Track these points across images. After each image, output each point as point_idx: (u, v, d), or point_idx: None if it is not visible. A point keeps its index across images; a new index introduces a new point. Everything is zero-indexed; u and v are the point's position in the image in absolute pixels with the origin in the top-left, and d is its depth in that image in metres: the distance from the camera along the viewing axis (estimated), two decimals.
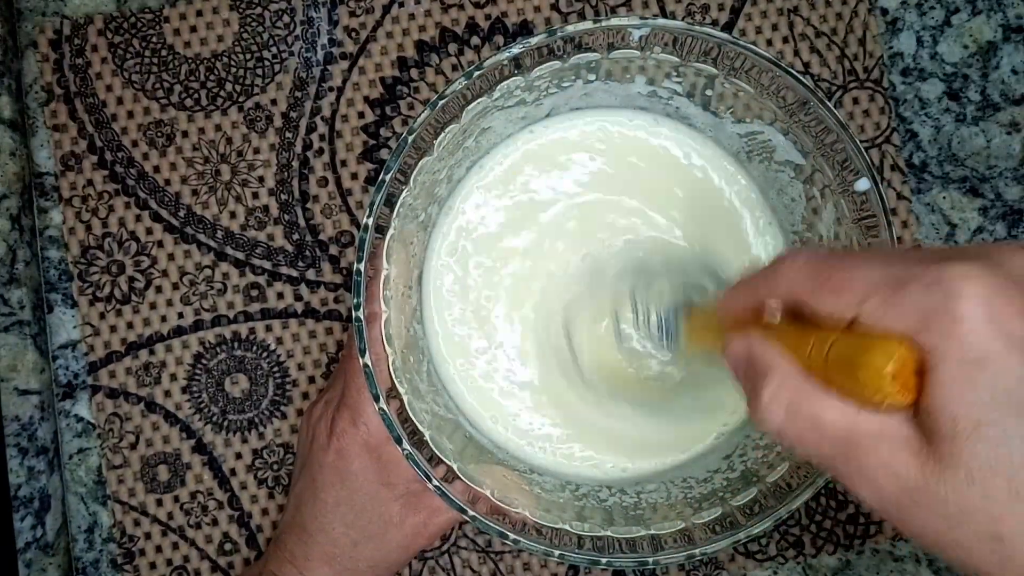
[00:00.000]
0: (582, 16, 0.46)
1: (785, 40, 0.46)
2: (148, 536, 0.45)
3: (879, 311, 0.24)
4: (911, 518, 0.24)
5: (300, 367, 0.46)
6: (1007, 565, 0.23)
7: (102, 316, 0.45)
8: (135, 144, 0.45)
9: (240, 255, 0.45)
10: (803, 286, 0.26)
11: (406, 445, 0.35)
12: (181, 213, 0.45)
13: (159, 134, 0.45)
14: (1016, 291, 0.23)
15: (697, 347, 0.35)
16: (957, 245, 0.46)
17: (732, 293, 0.30)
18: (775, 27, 0.46)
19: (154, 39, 0.46)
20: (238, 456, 0.45)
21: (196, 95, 0.46)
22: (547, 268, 0.41)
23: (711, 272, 0.39)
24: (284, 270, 0.46)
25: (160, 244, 0.45)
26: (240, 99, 0.46)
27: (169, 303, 0.45)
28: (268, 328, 0.45)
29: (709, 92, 0.37)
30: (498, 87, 0.35)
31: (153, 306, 0.45)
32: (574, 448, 0.41)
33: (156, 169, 0.45)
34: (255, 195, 0.46)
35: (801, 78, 0.35)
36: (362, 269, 0.34)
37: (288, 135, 0.46)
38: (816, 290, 0.26)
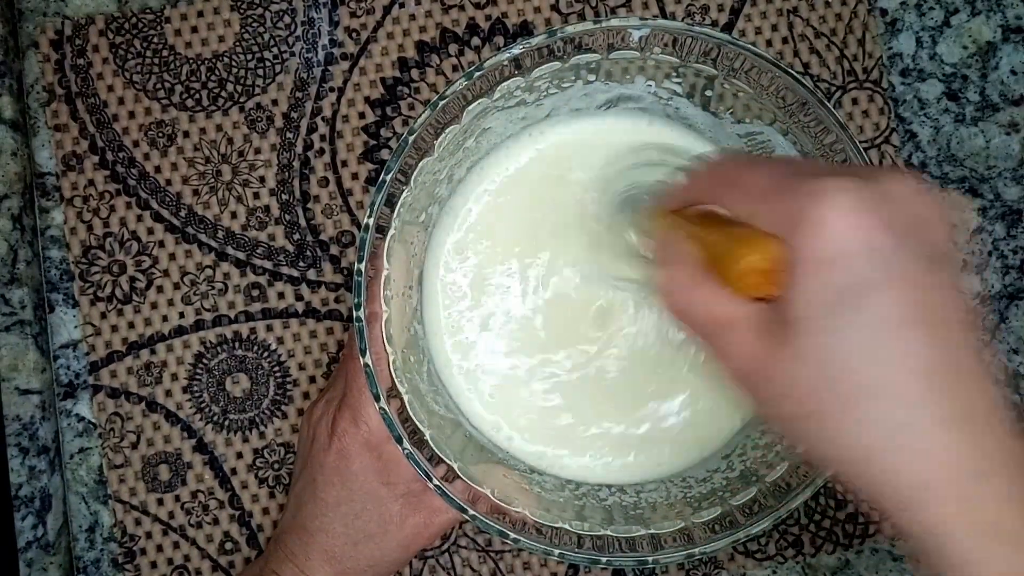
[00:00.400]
0: (582, 17, 0.46)
1: (784, 41, 0.46)
2: (149, 535, 0.45)
3: (762, 213, 0.27)
4: (754, 390, 0.28)
5: (301, 367, 0.46)
6: (822, 437, 0.26)
7: (103, 316, 0.45)
8: (136, 144, 0.46)
9: (241, 255, 0.46)
10: (716, 187, 0.30)
11: (406, 444, 0.35)
12: (182, 213, 0.46)
13: (160, 134, 0.46)
14: (885, 207, 0.25)
15: (643, 232, 0.37)
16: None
17: (669, 191, 0.33)
18: (775, 28, 0.46)
19: (155, 39, 0.46)
20: (239, 455, 0.45)
21: (197, 95, 0.46)
22: (546, 267, 0.41)
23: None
24: (285, 270, 0.46)
25: (161, 244, 0.46)
26: (241, 99, 0.46)
27: (170, 303, 0.46)
28: (269, 328, 0.46)
29: (709, 93, 0.38)
30: (498, 88, 0.35)
31: (154, 306, 0.45)
32: (575, 447, 0.41)
33: (157, 169, 0.46)
34: (256, 195, 0.46)
35: (800, 79, 0.35)
36: (363, 269, 0.35)
37: (289, 135, 0.46)
38: (725, 191, 0.29)
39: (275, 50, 0.46)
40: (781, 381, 0.26)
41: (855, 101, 0.46)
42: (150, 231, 0.46)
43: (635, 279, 0.40)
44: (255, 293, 0.46)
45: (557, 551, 0.35)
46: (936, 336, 0.25)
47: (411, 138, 0.35)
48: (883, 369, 0.25)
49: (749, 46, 0.35)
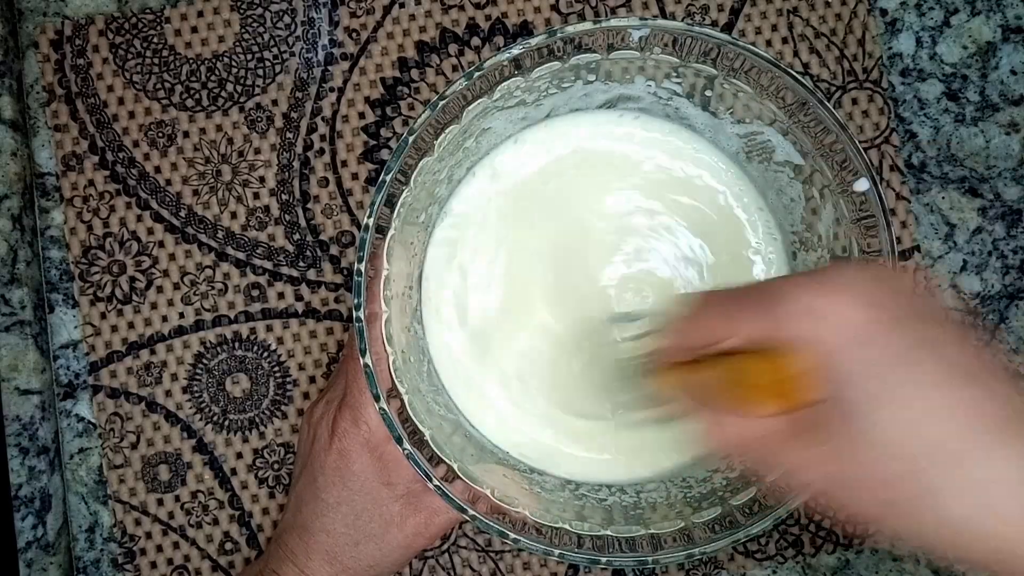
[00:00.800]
0: (582, 17, 0.46)
1: (784, 41, 0.46)
2: (149, 535, 0.45)
3: (769, 328, 0.26)
4: (840, 496, 0.26)
5: (301, 367, 0.46)
6: (907, 523, 0.25)
7: (103, 316, 0.45)
8: (136, 144, 0.46)
9: (241, 255, 0.46)
10: (706, 331, 0.29)
11: (407, 445, 0.35)
12: (182, 213, 0.46)
13: (160, 134, 0.46)
14: (877, 286, 0.25)
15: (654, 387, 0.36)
16: (955, 245, 0.46)
17: (664, 356, 0.32)
18: (774, 28, 0.46)
19: (155, 39, 0.46)
20: (239, 456, 0.45)
21: (197, 95, 0.46)
22: (545, 266, 0.41)
23: None
24: (285, 270, 0.46)
25: (161, 244, 0.46)
26: (241, 99, 0.46)
27: (170, 303, 0.46)
28: (269, 328, 0.46)
29: (708, 93, 0.38)
30: (498, 88, 0.35)
31: (154, 306, 0.45)
32: (574, 447, 0.41)
33: (157, 169, 0.46)
34: (256, 195, 0.46)
35: (800, 79, 0.35)
36: (363, 269, 0.35)
37: (289, 135, 0.46)
38: (718, 329, 0.28)
39: (275, 50, 0.46)
40: (861, 473, 0.25)
41: (855, 101, 0.46)
42: (150, 231, 0.46)
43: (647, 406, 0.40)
44: (255, 293, 0.46)
45: (557, 551, 0.35)
46: (988, 388, 0.25)
47: (411, 138, 0.35)
48: (943, 435, 0.24)
49: (749, 46, 0.35)
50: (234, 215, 0.46)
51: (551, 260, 0.41)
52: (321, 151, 0.46)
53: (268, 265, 0.46)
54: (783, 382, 0.26)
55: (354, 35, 0.46)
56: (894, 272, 0.27)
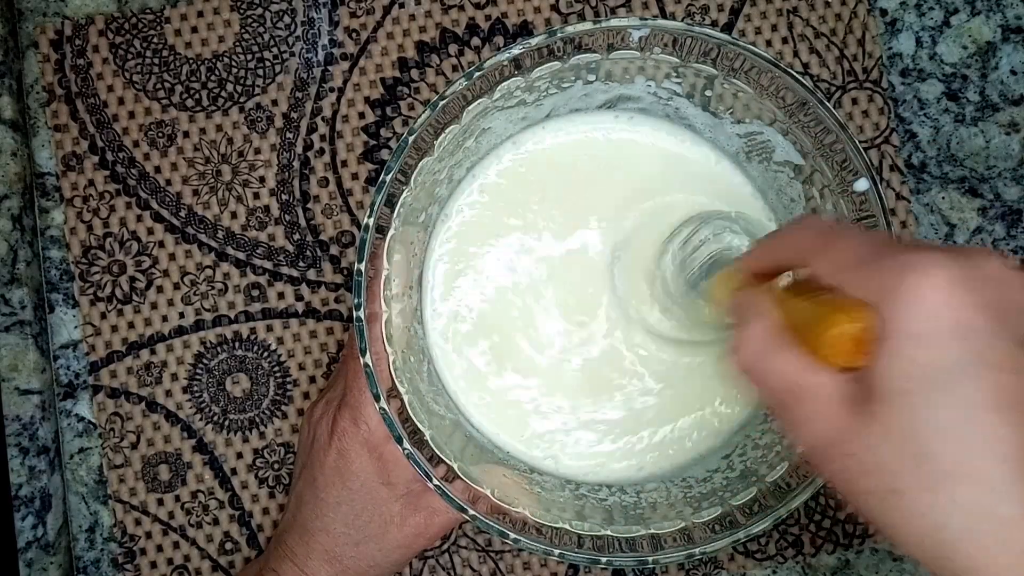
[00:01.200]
0: (582, 17, 0.46)
1: (784, 41, 0.46)
2: (149, 535, 0.45)
3: (854, 281, 0.26)
4: (828, 462, 0.27)
5: (301, 367, 0.46)
6: (902, 516, 0.25)
7: (103, 316, 0.45)
8: (136, 144, 0.46)
9: (241, 255, 0.46)
10: (804, 251, 0.29)
11: (407, 444, 0.35)
12: (182, 213, 0.46)
13: (160, 134, 0.46)
14: (980, 287, 0.25)
15: (717, 298, 0.35)
16: (955, 245, 0.46)
17: (750, 254, 0.33)
18: (774, 28, 0.46)
19: (155, 40, 0.46)
20: (239, 455, 0.45)
21: (197, 95, 0.46)
22: (543, 266, 0.41)
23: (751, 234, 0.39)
24: (285, 270, 0.46)
25: (161, 244, 0.46)
26: (241, 99, 0.46)
27: (170, 303, 0.46)
28: (269, 328, 0.46)
29: (708, 93, 0.38)
30: (498, 88, 0.35)
31: (154, 306, 0.45)
32: (574, 447, 0.41)
33: (157, 169, 0.46)
34: (256, 195, 0.46)
35: (800, 79, 0.35)
36: (363, 269, 0.35)
37: (289, 135, 0.46)
38: (814, 256, 0.28)
39: (275, 50, 0.46)
40: (862, 457, 0.26)
41: (855, 101, 0.46)
42: (150, 231, 0.46)
43: (701, 339, 0.39)
44: (255, 293, 0.46)
45: (557, 551, 0.35)
46: (1022, 426, 0.24)
47: (411, 138, 0.35)
48: (971, 453, 0.24)
49: (749, 46, 0.35)
50: (234, 215, 0.46)
51: (550, 261, 0.41)
52: (321, 151, 0.46)
53: (268, 265, 0.46)
54: (840, 332, 0.26)
55: (354, 35, 0.46)
56: (1007, 275, 0.26)
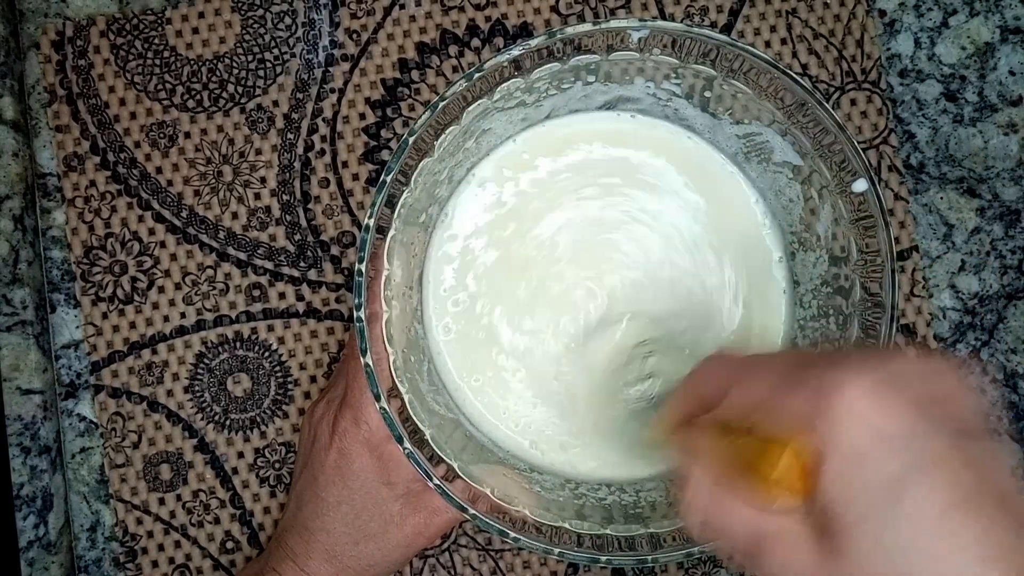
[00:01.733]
0: (581, 18, 0.46)
1: (783, 42, 0.46)
2: (150, 535, 0.45)
3: (772, 415, 0.26)
4: None
5: (302, 367, 0.46)
6: None
7: (104, 316, 0.45)
8: (137, 145, 0.46)
9: (242, 255, 0.46)
10: (720, 390, 0.29)
11: (407, 444, 0.35)
12: (183, 214, 0.46)
13: (161, 135, 0.46)
14: (890, 391, 0.24)
15: (655, 440, 0.36)
16: (953, 246, 0.46)
17: (673, 400, 0.33)
18: (773, 29, 0.46)
19: (156, 40, 0.46)
20: (240, 455, 0.46)
21: (198, 96, 0.46)
22: (544, 268, 0.41)
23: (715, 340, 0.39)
24: (286, 270, 0.46)
25: (162, 244, 0.46)
26: (242, 100, 0.46)
27: (171, 303, 0.46)
28: (270, 328, 0.46)
29: (708, 94, 0.38)
30: (498, 89, 0.35)
31: (155, 306, 0.46)
32: (574, 446, 0.41)
33: (158, 170, 0.46)
34: (257, 196, 0.46)
35: (799, 79, 0.35)
36: (363, 269, 0.35)
37: (290, 136, 0.46)
38: (731, 390, 0.28)
39: (276, 51, 0.46)
40: None
41: (853, 102, 0.46)
42: (151, 231, 0.46)
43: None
44: (256, 293, 0.46)
45: (557, 550, 0.35)
46: (981, 517, 0.24)
47: (411, 139, 0.35)
48: (945, 562, 0.24)
49: (748, 47, 0.35)
50: (235, 215, 0.46)
51: (549, 262, 0.41)
52: (322, 152, 0.46)
53: (269, 265, 0.46)
54: (783, 470, 0.25)
55: (354, 36, 0.46)
56: (927, 367, 0.25)
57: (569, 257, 0.41)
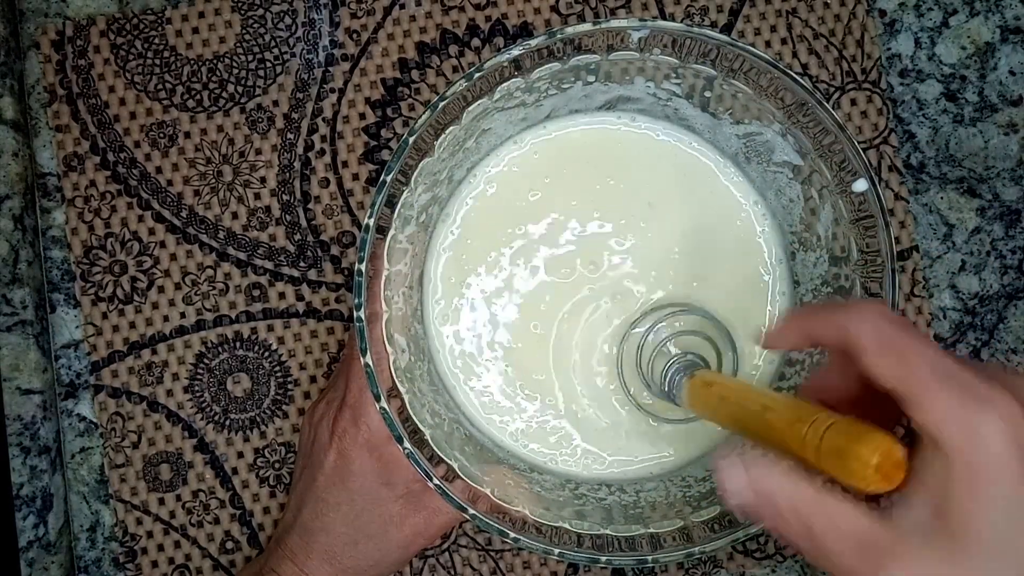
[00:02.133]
0: (582, 18, 0.46)
1: (783, 42, 0.46)
2: (150, 535, 0.45)
3: (921, 397, 0.25)
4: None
5: (302, 367, 0.46)
6: None
7: (104, 316, 0.45)
8: (137, 145, 0.46)
9: (242, 255, 0.46)
10: (869, 338, 0.27)
11: (407, 444, 0.35)
12: (183, 213, 0.46)
13: (161, 135, 0.46)
14: None
15: (696, 411, 0.36)
16: (954, 246, 0.46)
17: (798, 314, 0.31)
18: (773, 29, 0.46)
19: (156, 40, 0.46)
20: (240, 455, 0.46)
21: (198, 96, 0.46)
22: (545, 268, 0.41)
23: (723, 333, 0.39)
24: (286, 270, 0.46)
25: (162, 244, 0.46)
26: (242, 100, 0.46)
27: (171, 303, 0.46)
28: (270, 328, 0.46)
29: (708, 94, 0.38)
30: (498, 89, 0.35)
31: (155, 306, 0.46)
32: (574, 446, 0.41)
33: (158, 170, 0.46)
34: (257, 196, 0.46)
35: (799, 79, 0.35)
36: (363, 269, 0.35)
37: (290, 136, 0.46)
38: (879, 349, 0.27)
39: (276, 51, 0.46)
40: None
41: (854, 102, 0.46)
42: (151, 231, 0.46)
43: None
44: (256, 293, 0.46)
45: (557, 550, 0.35)
46: None
47: (411, 139, 0.35)
48: None
49: (748, 47, 0.35)
50: (235, 215, 0.46)
51: (550, 263, 0.41)
52: (322, 152, 0.46)
53: (269, 265, 0.46)
54: (884, 455, 0.25)
55: (354, 36, 0.46)
56: None
57: (567, 254, 0.41)
